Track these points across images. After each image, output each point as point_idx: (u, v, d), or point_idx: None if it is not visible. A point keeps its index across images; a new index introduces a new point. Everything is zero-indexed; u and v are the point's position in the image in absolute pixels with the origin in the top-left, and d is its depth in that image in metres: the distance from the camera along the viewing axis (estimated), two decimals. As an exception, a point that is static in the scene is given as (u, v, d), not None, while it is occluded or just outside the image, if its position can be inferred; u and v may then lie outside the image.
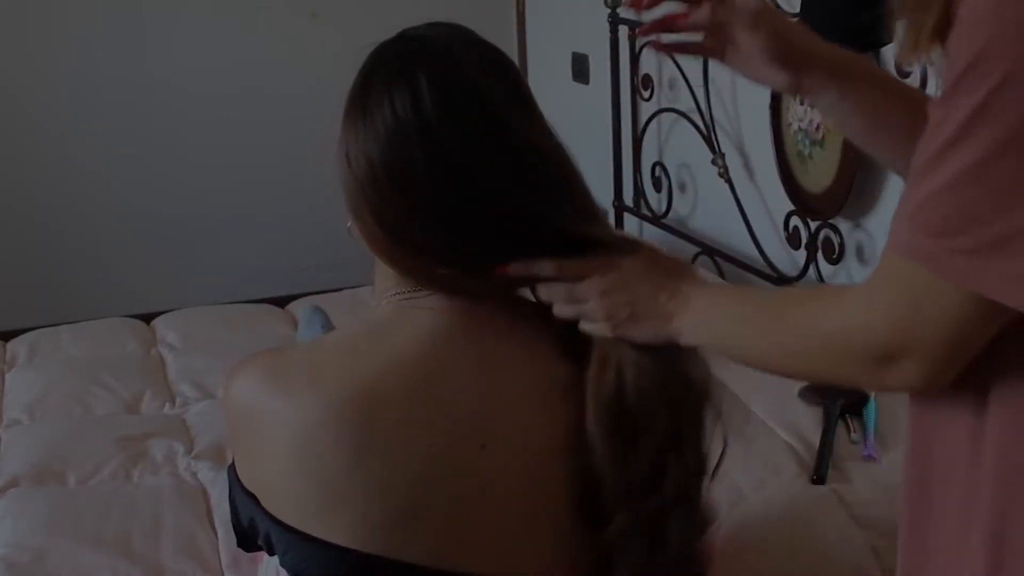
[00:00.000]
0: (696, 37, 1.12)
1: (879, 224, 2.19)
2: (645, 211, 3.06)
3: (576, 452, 1.06)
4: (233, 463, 1.12)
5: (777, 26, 1.07)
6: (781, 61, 1.06)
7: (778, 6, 2.30)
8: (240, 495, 1.10)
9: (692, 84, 2.73)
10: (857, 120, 1.06)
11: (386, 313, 1.09)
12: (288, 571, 1.07)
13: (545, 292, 1.07)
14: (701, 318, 1.00)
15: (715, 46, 1.11)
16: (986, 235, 0.70)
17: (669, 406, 1.05)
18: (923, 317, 0.77)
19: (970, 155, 0.68)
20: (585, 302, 1.04)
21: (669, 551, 1.07)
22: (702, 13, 1.09)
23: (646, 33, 1.12)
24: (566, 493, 1.07)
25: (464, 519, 1.03)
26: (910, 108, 1.01)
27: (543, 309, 1.11)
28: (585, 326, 1.05)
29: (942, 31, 0.72)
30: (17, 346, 2.46)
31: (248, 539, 1.13)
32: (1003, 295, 0.72)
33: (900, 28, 0.76)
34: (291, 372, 1.05)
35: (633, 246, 1.08)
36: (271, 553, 1.10)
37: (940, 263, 0.73)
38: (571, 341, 1.08)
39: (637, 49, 2.97)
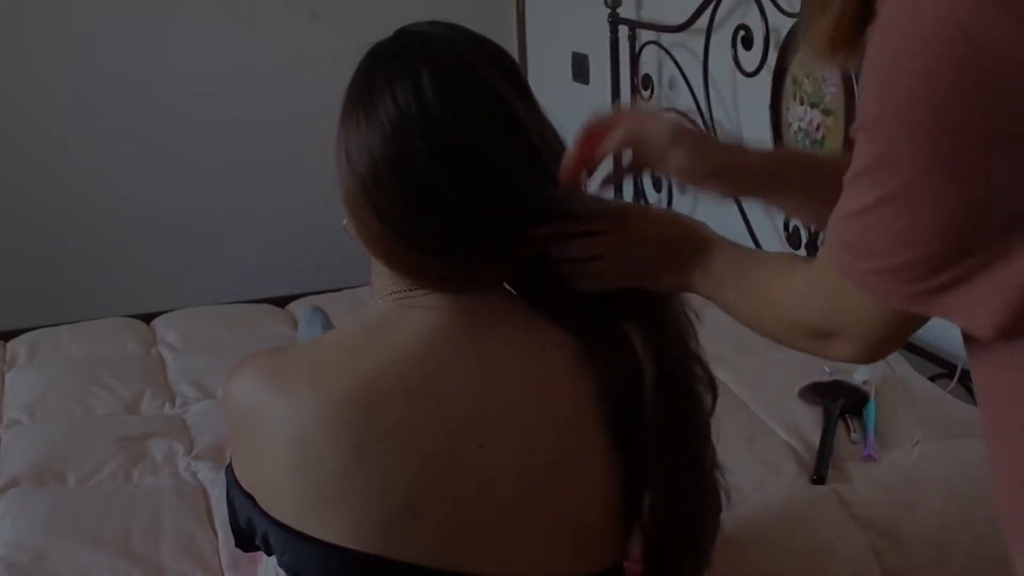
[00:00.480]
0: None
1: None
2: (645, 211, 3.06)
3: (603, 406, 1.08)
4: (231, 463, 1.12)
5: (696, 144, 1.09)
6: (709, 176, 1.10)
7: (779, 7, 2.30)
8: (238, 495, 1.09)
9: (692, 84, 2.73)
10: (801, 215, 1.09)
11: (384, 313, 1.09)
12: (286, 571, 1.07)
13: (576, 247, 1.08)
14: (712, 278, 1.06)
15: (645, 161, 1.11)
16: (885, 264, 0.73)
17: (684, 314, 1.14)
18: (846, 308, 0.83)
19: (866, 196, 0.73)
20: (610, 256, 1.08)
21: (709, 458, 1.15)
22: (614, 138, 1.08)
23: (569, 179, 1.07)
24: (579, 475, 1.08)
25: (463, 519, 1.03)
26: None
27: (542, 307, 1.11)
28: (605, 280, 1.08)
29: (857, 31, 0.74)
30: (17, 346, 2.46)
31: (246, 539, 1.12)
32: (909, 307, 0.76)
33: (807, 27, 0.79)
34: (290, 372, 1.05)
35: (644, 210, 1.12)
36: (269, 553, 1.10)
37: (852, 275, 0.78)
38: (577, 327, 1.09)
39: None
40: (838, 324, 0.86)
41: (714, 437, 1.16)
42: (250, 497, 1.07)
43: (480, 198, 1.02)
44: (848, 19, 0.74)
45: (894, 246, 0.72)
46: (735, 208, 2.59)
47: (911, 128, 0.67)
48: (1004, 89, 0.63)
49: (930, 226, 0.69)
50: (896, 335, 0.84)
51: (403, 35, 1.08)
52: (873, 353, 0.86)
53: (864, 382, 1.85)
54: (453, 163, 1.01)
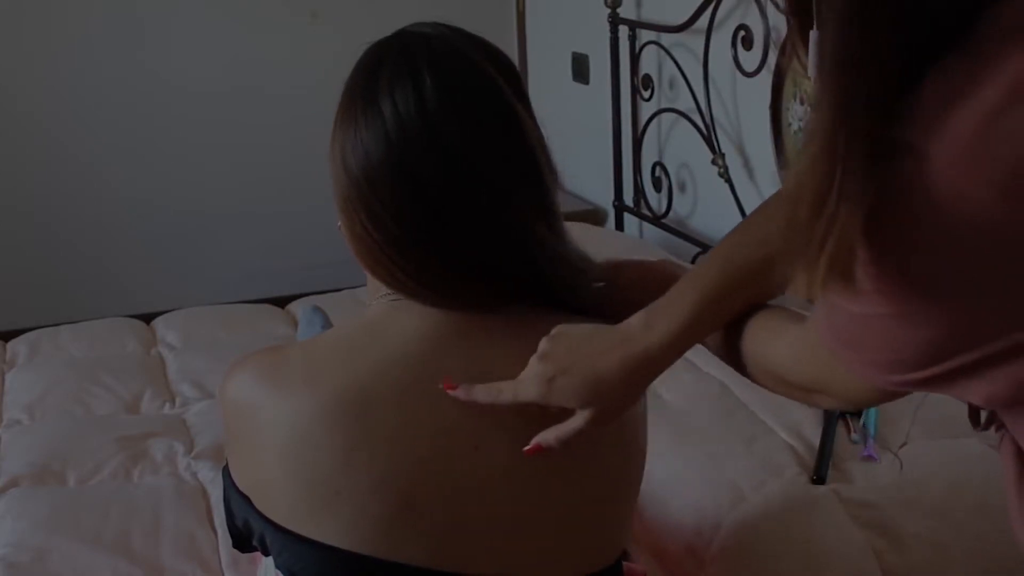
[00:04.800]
0: None
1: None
2: (645, 211, 3.06)
3: None
4: (228, 464, 1.12)
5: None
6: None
7: (779, 7, 2.30)
8: (235, 496, 1.09)
9: (692, 84, 2.73)
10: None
11: (378, 314, 1.09)
12: (283, 572, 1.07)
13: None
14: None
15: None
16: (877, 357, 0.73)
17: None
18: (831, 376, 0.86)
19: (858, 306, 0.71)
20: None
21: None
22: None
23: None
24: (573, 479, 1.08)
25: (459, 520, 1.03)
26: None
27: (537, 315, 1.10)
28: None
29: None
30: (17, 346, 2.46)
31: (243, 540, 1.12)
32: (898, 389, 0.78)
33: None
34: (286, 371, 1.05)
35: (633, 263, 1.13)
36: (266, 554, 1.10)
37: (841, 360, 0.77)
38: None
39: (637, 50, 2.96)
40: (823, 385, 0.90)
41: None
42: (246, 498, 1.07)
43: (475, 203, 1.02)
44: (848, 247, 0.67)
45: (883, 347, 0.72)
46: (735, 207, 2.60)
47: (899, 268, 0.67)
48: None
49: (921, 339, 0.69)
50: (881, 398, 0.88)
51: (404, 36, 1.07)
52: (856, 407, 0.90)
53: (864, 382, 1.85)
54: (452, 167, 1.00)
